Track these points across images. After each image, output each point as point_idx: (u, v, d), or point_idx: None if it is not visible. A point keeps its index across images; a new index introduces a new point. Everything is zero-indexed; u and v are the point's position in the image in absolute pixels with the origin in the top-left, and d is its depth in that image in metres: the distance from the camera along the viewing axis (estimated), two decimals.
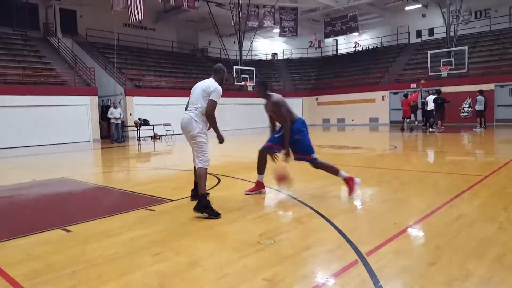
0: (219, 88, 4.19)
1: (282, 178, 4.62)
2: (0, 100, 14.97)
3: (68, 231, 3.63)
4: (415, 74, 23.34)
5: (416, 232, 3.34)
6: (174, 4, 19.43)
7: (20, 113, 15.56)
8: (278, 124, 4.85)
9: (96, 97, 18.26)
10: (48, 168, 9.31)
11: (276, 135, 4.75)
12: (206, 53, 29.65)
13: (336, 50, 32.21)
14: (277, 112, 4.59)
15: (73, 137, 17.06)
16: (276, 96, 4.66)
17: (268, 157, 4.81)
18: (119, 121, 16.58)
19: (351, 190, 4.55)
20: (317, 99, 27.54)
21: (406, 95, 17.24)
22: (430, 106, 16.07)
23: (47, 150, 13.86)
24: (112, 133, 16.59)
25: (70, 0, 20.82)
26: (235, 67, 22.52)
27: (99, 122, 18.64)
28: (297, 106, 27.54)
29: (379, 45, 29.61)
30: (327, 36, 28.21)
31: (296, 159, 4.73)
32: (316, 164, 4.68)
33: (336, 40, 31.47)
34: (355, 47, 31.20)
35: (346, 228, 3.38)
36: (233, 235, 3.36)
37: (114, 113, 16.35)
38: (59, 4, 20.99)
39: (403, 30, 28.14)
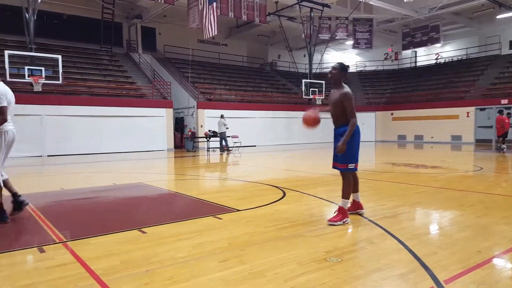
0: None
1: (311, 120, 4.32)
2: (88, 111, 16.68)
3: (143, 232, 3.88)
4: (506, 89, 21.21)
5: (504, 263, 2.98)
6: (246, 19, 20.10)
7: (104, 123, 17.16)
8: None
9: (172, 109, 19.48)
10: (127, 173, 10.08)
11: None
12: (275, 67, 30.12)
13: (415, 62, 30.57)
14: (346, 105, 4.08)
15: (150, 145, 18.32)
16: (348, 88, 4.20)
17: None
18: (224, 130, 17.04)
19: (336, 219, 4.08)
20: (392, 114, 26.26)
21: (501, 112, 15.85)
22: None
23: (127, 157, 15.04)
24: (225, 142, 17.13)
25: (150, 18, 22.64)
26: (304, 80, 22.52)
27: (174, 132, 19.84)
28: (369, 121, 26.56)
29: (464, 57, 27.51)
30: (405, 47, 26.94)
31: (333, 167, 4.36)
32: (346, 174, 4.24)
33: (415, 52, 29.87)
34: (436, 59, 29.33)
35: (422, 253, 3.13)
36: (299, 249, 3.30)
37: (223, 122, 16.96)
38: (141, 22, 22.94)
39: (493, 40, 25.83)
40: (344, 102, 4.09)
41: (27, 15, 15.31)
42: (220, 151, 17.22)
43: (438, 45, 26.40)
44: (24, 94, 15.16)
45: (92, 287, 2.55)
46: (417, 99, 25.29)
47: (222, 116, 17.28)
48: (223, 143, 17.21)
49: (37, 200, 5.75)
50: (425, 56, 29.96)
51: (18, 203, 4.52)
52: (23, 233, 4.02)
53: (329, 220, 4.09)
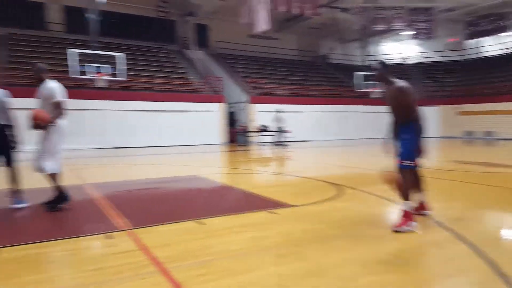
0: None
1: (391, 181, 3.90)
2: (145, 106, 17.47)
3: (201, 223, 3.93)
4: None
5: None
6: (297, 12, 19.79)
7: (161, 117, 17.87)
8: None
9: (224, 104, 19.80)
10: (183, 166, 10.41)
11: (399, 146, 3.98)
12: (327, 59, 29.43)
13: (482, 52, 28.20)
14: (402, 100, 3.76)
15: (204, 139, 18.75)
16: (402, 82, 3.84)
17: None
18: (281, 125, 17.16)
19: (401, 224, 3.63)
20: (457, 108, 24.49)
21: None
22: None
23: (182, 150, 15.55)
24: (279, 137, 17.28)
25: (203, 15, 23.07)
26: (356, 73, 21.76)
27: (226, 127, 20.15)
28: (432, 115, 24.93)
29: None
30: (469, 37, 24.94)
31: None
32: (404, 172, 3.79)
33: (482, 42, 27.59)
34: (506, 48, 26.84)
35: (499, 260, 2.83)
36: (360, 249, 3.15)
37: (280, 117, 17.09)
38: (194, 19, 23.47)
39: None
40: (399, 97, 3.78)
41: (91, 15, 16.27)
42: (276, 145, 17.18)
43: (507, 33, 24.07)
44: (88, 90, 16.20)
45: (154, 275, 2.61)
46: (486, 92, 23.24)
47: (279, 111, 17.18)
48: (278, 137, 17.15)
49: (103, 190, 6.10)
50: (492, 46, 27.54)
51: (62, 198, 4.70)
52: (91, 220, 4.26)
53: (394, 227, 3.62)
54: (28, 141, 4.67)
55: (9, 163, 4.72)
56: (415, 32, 24.06)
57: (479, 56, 28.09)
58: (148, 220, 4.11)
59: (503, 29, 22.71)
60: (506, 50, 26.57)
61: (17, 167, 4.78)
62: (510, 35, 25.42)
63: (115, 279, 2.56)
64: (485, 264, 2.76)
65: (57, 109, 4.45)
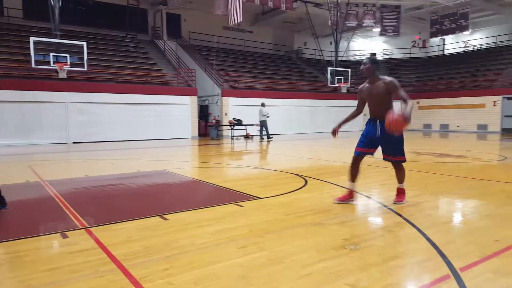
0: None
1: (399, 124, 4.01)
2: (113, 98, 16.85)
3: (165, 219, 3.98)
4: None
5: None
6: (272, 6, 19.86)
7: (129, 110, 17.38)
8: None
9: (196, 97, 19.63)
10: (151, 160, 10.34)
11: (364, 138, 4.50)
12: (300, 54, 29.73)
13: (443, 50, 29.73)
14: (395, 93, 4.31)
15: (175, 133, 18.55)
16: (390, 77, 4.33)
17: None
18: (265, 118, 17.20)
19: (401, 198, 4.47)
20: (418, 102, 25.70)
21: None
22: None
23: (151, 144, 15.36)
24: (265, 130, 17.27)
25: (176, 5, 22.56)
26: (329, 68, 22.16)
27: (198, 120, 20.02)
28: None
29: (493, 45, 26.53)
30: (433, 35, 26.12)
31: (385, 159, 4.48)
32: (400, 166, 4.48)
33: (443, 40, 29.08)
34: (464, 47, 28.40)
35: (440, 241, 3.14)
36: (318, 236, 3.34)
37: (264, 111, 17.13)
38: (166, 8, 22.88)
39: None
40: (392, 91, 4.31)
41: (52, 1, 15.33)
42: (260, 139, 17.25)
43: (466, 32, 25.49)
44: (49, 81, 15.37)
45: (113, 272, 2.60)
46: (443, 87, 24.84)
47: (263, 105, 17.22)
48: (264, 131, 17.24)
49: (61, 187, 5.89)
50: (453, 44, 29.13)
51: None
52: (46, 219, 4.10)
53: (395, 202, 4.44)
54: None
55: None
56: (383, 29, 24.83)
57: (444, 53, 29.58)
58: (109, 217, 4.05)
59: (464, 28, 23.93)
60: (465, 48, 28.19)
61: None
62: (469, 34, 26.88)
63: (71, 278, 2.50)
64: (429, 246, 3.04)
65: None
